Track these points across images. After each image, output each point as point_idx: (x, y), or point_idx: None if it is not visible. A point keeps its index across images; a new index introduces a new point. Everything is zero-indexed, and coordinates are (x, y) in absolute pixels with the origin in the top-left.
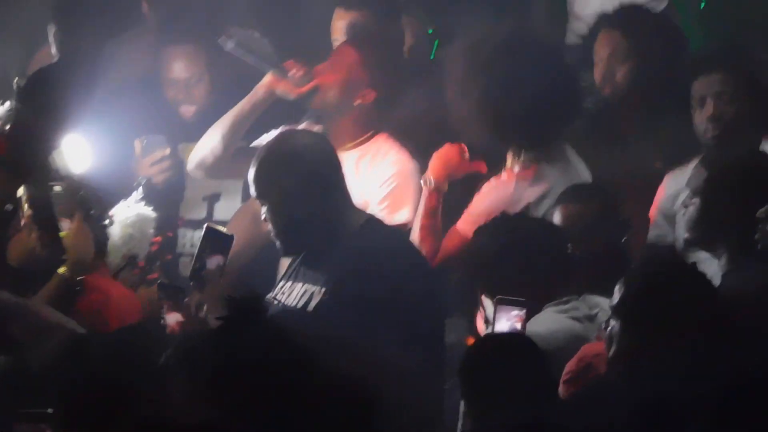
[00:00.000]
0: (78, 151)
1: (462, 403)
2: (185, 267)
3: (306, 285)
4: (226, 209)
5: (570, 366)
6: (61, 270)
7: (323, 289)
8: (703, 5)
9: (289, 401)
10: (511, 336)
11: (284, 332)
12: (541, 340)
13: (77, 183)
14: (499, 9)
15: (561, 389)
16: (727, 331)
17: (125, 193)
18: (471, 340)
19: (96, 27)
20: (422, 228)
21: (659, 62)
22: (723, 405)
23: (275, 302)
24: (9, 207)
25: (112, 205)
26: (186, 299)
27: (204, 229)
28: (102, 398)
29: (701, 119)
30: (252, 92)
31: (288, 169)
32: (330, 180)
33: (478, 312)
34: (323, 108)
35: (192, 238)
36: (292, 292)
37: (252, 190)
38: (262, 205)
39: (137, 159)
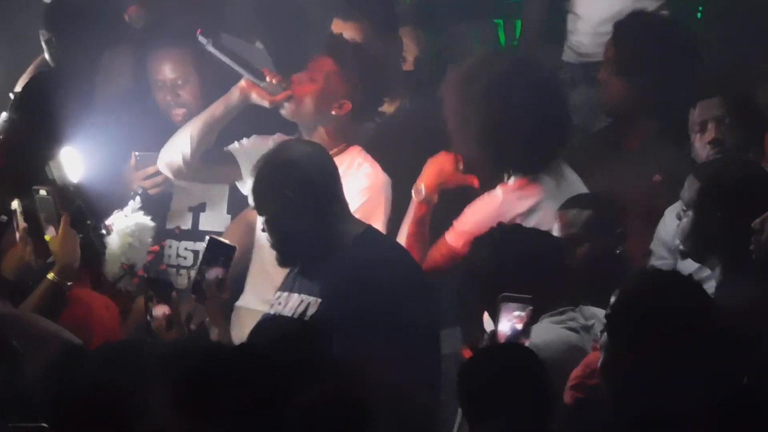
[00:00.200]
0: (72, 161)
1: (458, 415)
2: (173, 278)
3: (302, 295)
4: (211, 220)
5: (576, 372)
6: (50, 275)
7: (319, 300)
8: (700, 15)
9: (282, 416)
10: (510, 347)
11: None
12: (537, 350)
13: (66, 190)
14: (494, 24)
15: (566, 396)
16: (720, 343)
17: (118, 204)
18: (467, 352)
19: (89, 38)
20: (409, 236)
21: (668, 74)
22: (715, 418)
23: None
24: (3, 218)
25: (106, 215)
26: (173, 293)
27: (206, 241)
28: (97, 411)
29: (702, 144)
30: (226, 94)
31: (286, 180)
32: (328, 191)
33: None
34: (298, 117)
35: (177, 249)
36: (288, 303)
37: (250, 201)
38: (260, 215)
39: (131, 171)
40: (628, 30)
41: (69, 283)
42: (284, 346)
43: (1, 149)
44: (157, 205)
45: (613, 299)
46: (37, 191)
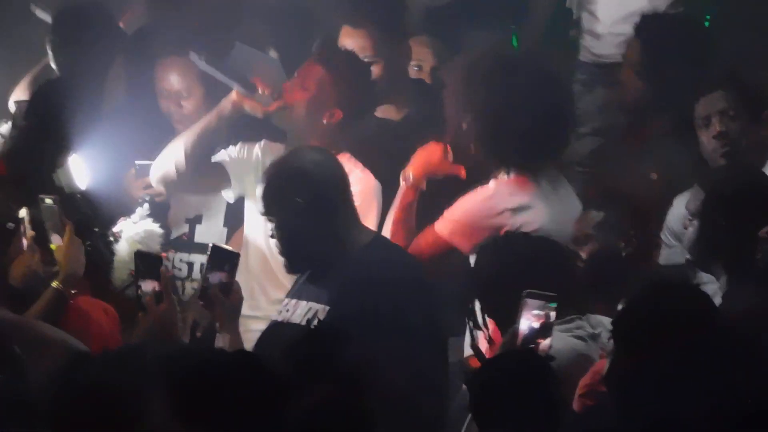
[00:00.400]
0: (78, 169)
1: (466, 421)
2: None
3: (310, 303)
4: (208, 232)
5: (585, 380)
6: (54, 283)
7: (327, 308)
8: (707, 23)
9: (285, 422)
10: (522, 354)
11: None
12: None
13: (74, 197)
14: (507, 27)
15: (576, 403)
16: (726, 351)
17: (120, 212)
18: (474, 360)
19: (98, 46)
20: (395, 222)
21: (688, 73)
22: (721, 425)
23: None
24: (11, 225)
25: (112, 222)
26: (162, 268)
27: (209, 249)
28: (102, 417)
29: (708, 139)
30: (218, 106)
31: (296, 187)
32: (338, 199)
33: (481, 332)
34: (289, 125)
35: (173, 261)
36: (296, 310)
37: (259, 207)
38: (269, 221)
39: (131, 180)
40: (650, 30)
41: (72, 291)
42: (293, 353)
43: (8, 157)
44: (154, 217)
45: (620, 307)
46: (43, 200)
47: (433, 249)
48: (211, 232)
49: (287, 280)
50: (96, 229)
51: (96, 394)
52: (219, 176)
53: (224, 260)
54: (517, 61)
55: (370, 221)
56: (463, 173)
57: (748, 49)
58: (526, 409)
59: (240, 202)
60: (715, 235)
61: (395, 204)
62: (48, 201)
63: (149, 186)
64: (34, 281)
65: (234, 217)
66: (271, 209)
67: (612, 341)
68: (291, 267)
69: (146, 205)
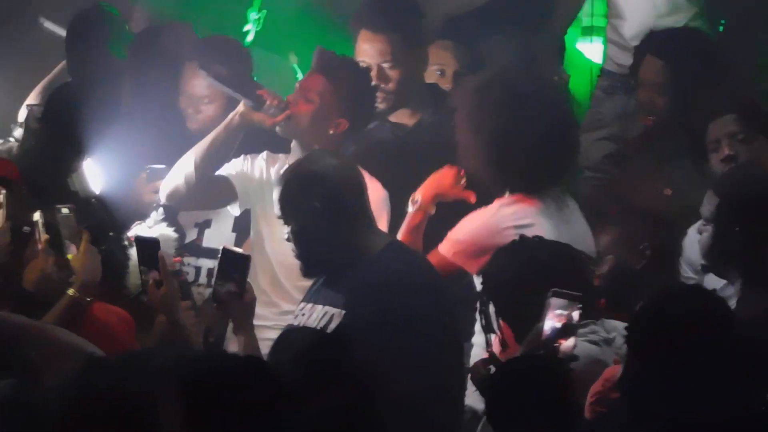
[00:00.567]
0: (93, 173)
1: (480, 424)
2: None
3: (326, 307)
4: (216, 237)
5: (596, 387)
6: (71, 291)
7: (343, 312)
8: (722, 29)
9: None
10: (540, 357)
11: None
12: None
13: (88, 202)
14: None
15: (587, 410)
16: (741, 357)
17: (133, 216)
18: (488, 364)
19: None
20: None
21: (708, 92)
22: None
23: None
24: (27, 229)
25: (126, 227)
26: (159, 252)
27: (220, 252)
28: (117, 423)
29: (716, 161)
30: (227, 120)
31: (313, 191)
32: (355, 204)
33: (495, 336)
34: (294, 136)
35: (182, 264)
36: (312, 314)
37: (276, 210)
38: (286, 224)
39: (142, 184)
40: (670, 49)
41: (88, 299)
42: (307, 356)
43: (22, 161)
44: (168, 221)
45: (635, 312)
46: (59, 210)
47: (439, 271)
48: (220, 237)
49: (296, 292)
50: (111, 234)
51: (112, 399)
52: (224, 190)
53: (236, 262)
54: (526, 88)
55: None
56: (472, 198)
57: (763, 61)
58: (541, 413)
59: (246, 213)
60: (729, 240)
61: (402, 227)
62: (65, 211)
63: (157, 190)
64: (48, 285)
65: (243, 223)
66: (287, 213)
67: (626, 346)
68: (307, 271)
69: (161, 210)
